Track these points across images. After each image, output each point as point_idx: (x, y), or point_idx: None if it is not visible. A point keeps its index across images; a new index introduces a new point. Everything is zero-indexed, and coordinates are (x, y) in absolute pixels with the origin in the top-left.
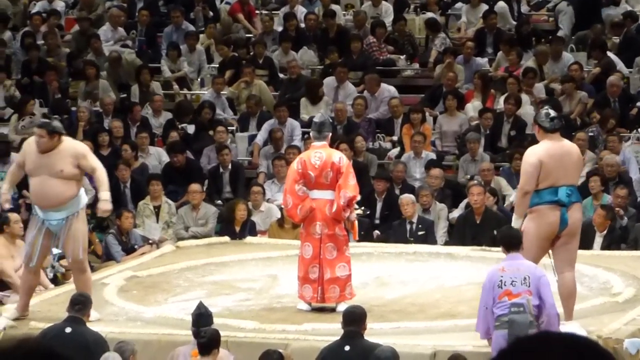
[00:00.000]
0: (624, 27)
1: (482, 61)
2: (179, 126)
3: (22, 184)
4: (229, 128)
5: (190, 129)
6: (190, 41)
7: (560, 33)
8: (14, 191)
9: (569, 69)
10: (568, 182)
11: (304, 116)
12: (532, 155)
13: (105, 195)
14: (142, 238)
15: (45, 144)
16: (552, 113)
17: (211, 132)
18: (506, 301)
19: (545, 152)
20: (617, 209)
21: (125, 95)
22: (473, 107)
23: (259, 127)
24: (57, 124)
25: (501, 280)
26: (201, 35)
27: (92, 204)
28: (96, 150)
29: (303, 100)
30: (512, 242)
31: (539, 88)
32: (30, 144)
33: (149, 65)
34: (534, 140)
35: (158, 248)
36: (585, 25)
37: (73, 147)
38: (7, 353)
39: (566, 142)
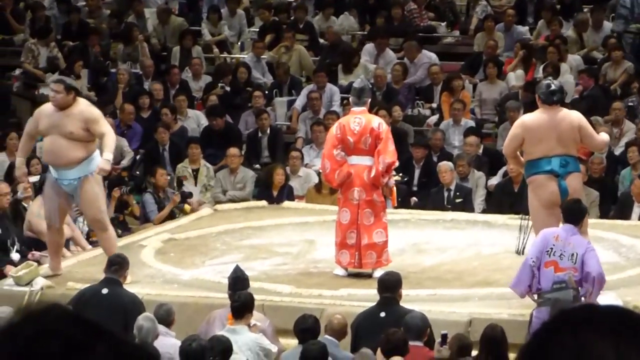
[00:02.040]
0: None
1: (523, 29)
2: (219, 85)
3: None
4: (266, 92)
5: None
6: (231, 5)
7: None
8: None
9: (606, 40)
10: (562, 152)
11: (342, 82)
12: (518, 124)
13: (107, 155)
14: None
15: (63, 99)
16: (554, 86)
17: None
18: (551, 273)
19: (536, 121)
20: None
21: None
22: (515, 76)
23: (289, 95)
24: (72, 81)
25: (551, 248)
26: None
27: (131, 166)
28: (137, 113)
29: (340, 67)
30: (573, 216)
31: (577, 58)
32: (43, 108)
33: (190, 29)
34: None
35: (193, 210)
36: None
37: (86, 110)
38: (35, 317)
39: (563, 112)
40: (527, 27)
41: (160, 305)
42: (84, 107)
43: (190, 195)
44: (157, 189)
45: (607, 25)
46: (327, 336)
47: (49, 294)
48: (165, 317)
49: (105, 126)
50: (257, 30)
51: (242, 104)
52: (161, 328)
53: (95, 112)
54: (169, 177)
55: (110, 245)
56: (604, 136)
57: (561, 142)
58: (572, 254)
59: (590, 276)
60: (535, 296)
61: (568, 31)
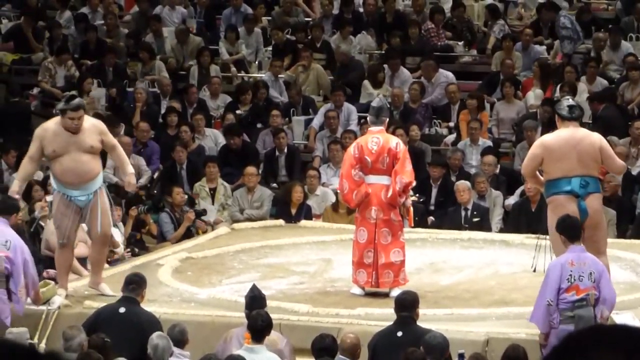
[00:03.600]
0: None
1: (541, 49)
2: (237, 111)
3: None
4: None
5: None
6: (248, 24)
7: (624, 19)
8: None
9: (625, 59)
10: (583, 173)
11: (363, 100)
12: (538, 144)
13: (130, 169)
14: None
15: (81, 123)
16: (572, 102)
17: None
18: (574, 297)
19: (556, 140)
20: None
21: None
22: (534, 95)
23: (306, 114)
24: (80, 99)
25: (571, 275)
26: (263, 18)
27: (148, 185)
28: (163, 130)
29: (365, 83)
30: (574, 232)
31: (598, 78)
32: (47, 129)
33: (208, 48)
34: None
35: (212, 229)
36: None
37: (97, 123)
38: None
39: (583, 132)
40: (544, 47)
41: (174, 326)
42: (93, 120)
43: (204, 212)
44: (174, 207)
45: (625, 45)
46: (340, 356)
47: (66, 313)
48: (179, 337)
49: (113, 137)
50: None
51: (262, 123)
52: (175, 349)
53: (102, 123)
54: (185, 196)
55: (102, 261)
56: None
57: (581, 162)
58: (590, 273)
59: (607, 301)
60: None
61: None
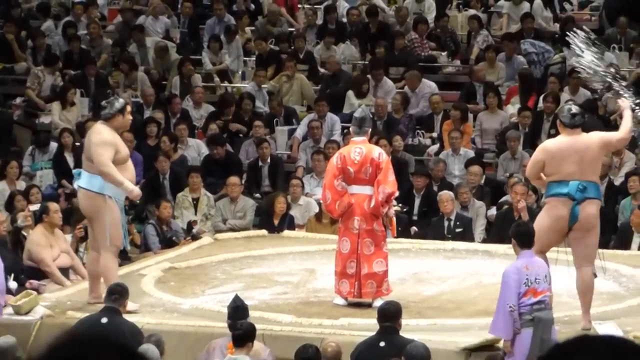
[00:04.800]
0: None
1: (524, 59)
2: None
3: (61, 173)
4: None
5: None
6: (230, 35)
7: (608, 31)
8: (53, 181)
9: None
10: (582, 177)
11: (347, 110)
12: (540, 148)
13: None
14: (183, 230)
15: None
16: (574, 109)
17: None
18: (531, 299)
19: (557, 145)
20: None
21: (167, 88)
22: (513, 106)
23: (289, 124)
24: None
25: (527, 279)
26: (246, 28)
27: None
28: (143, 141)
29: (349, 94)
30: (528, 239)
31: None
32: (114, 134)
33: (190, 57)
34: None
35: (196, 240)
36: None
37: None
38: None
39: (584, 137)
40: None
41: (150, 336)
42: None
43: (199, 237)
44: (161, 221)
45: (608, 55)
46: None
47: (49, 323)
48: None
49: None
50: (255, 59)
51: (245, 133)
52: None
53: None
54: (171, 210)
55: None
56: (622, 129)
57: (580, 168)
58: (545, 275)
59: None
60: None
61: (571, 60)
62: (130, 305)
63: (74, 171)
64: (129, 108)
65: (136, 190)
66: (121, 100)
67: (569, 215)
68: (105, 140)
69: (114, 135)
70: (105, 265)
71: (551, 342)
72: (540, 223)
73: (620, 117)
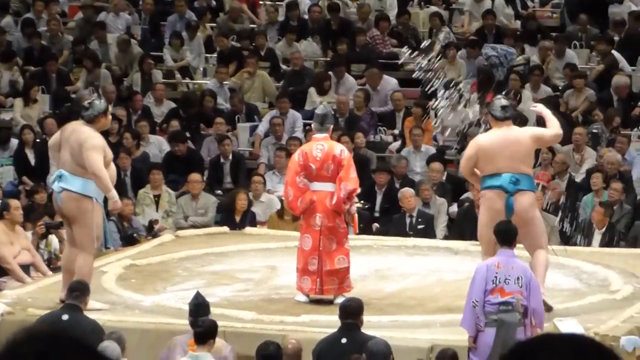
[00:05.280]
0: (625, 24)
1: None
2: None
3: (22, 170)
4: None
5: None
6: (191, 31)
7: (569, 29)
8: (14, 177)
9: (564, 70)
10: (514, 170)
11: (309, 107)
12: (472, 144)
13: None
14: (144, 227)
15: None
16: (504, 102)
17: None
18: (498, 298)
19: (489, 139)
20: None
21: (127, 83)
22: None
23: (251, 120)
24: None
25: (496, 277)
26: (207, 25)
27: None
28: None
29: (311, 91)
30: (508, 237)
31: (543, 86)
32: (102, 137)
33: (152, 54)
34: None
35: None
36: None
37: None
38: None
39: (516, 131)
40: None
41: (111, 333)
42: None
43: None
44: (122, 218)
45: (570, 53)
46: None
47: (9, 320)
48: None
49: None
50: (216, 56)
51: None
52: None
53: None
54: (133, 207)
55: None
56: (553, 126)
57: (513, 160)
58: (518, 277)
59: (537, 313)
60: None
61: (532, 56)
62: (96, 304)
63: (56, 172)
64: (110, 108)
65: (118, 203)
66: (103, 101)
67: (504, 207)
68: (98, 145)
69: (102, 138)
70: (84, 267)
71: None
72: (481, 219)
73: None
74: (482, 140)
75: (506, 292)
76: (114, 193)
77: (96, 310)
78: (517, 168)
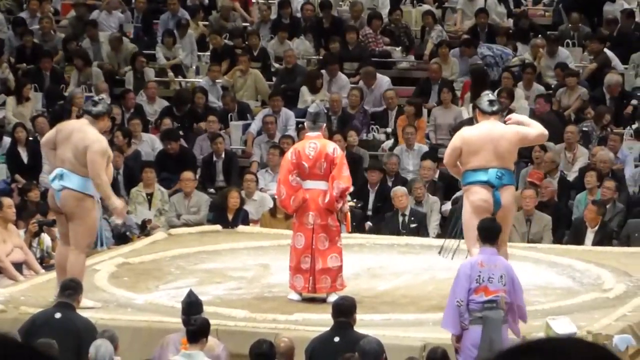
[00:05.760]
0: (618, 23)
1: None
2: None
3: (14, 168)
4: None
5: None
6: (182, 29)
7: (561, 27)
8: (6, 175)
9: (555, 69)
10: (499, 165)
11: (301, 106)
12: (458, 137)
13: None
14: (137, 225)
15: None
16: (492, 97)
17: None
18: (482, 297)
19: (475, 133)
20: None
21: (119, 81)
22: (467, 100)
23: (244, 119)
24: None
25: (479, 275)
26: (200, 23)
27: None
28: None
29: (303, 89)
30: (491, 234)
31: (535, 84)
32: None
33: (144, 52)
34: None
35: (149, 235)
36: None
37: None
38: None
39: (501, 126)
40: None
41: (104, 331)
42: None
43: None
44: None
45: (562, 51)
46: None
47: (2, 318)
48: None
49: None
50: (209, 54)
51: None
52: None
53: None
54: (127, 206)
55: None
56: (535, 127)
57: (498, 155)
58: (501, 276)
59: (521, 309)
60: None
61: (524, 54)
62: (88, 302)
63: (55, 171)
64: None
65: (119, 210)
66: (109, 102)
67: (493, 201)
68: (104, 150)
69: (106, 141)
70: (77, 264)
71: (500, 342)
72: (467, 211)
73: (575, 112)
74: (468, 133)
75: (490, 290)
76: (114, 200)
77: (88, 308)
78: (502, 163)
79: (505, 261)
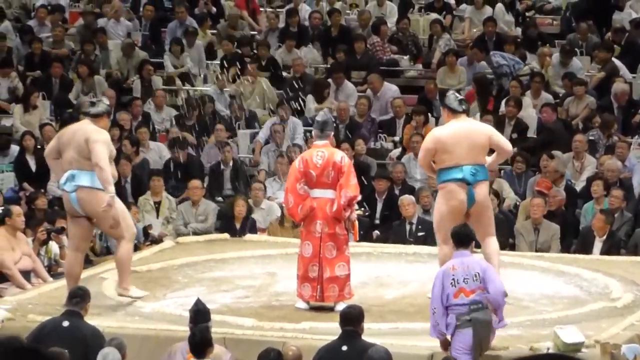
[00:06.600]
0: (626, 32)
1: (485, 64)
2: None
3: (22, 176)
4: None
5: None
6: (189, 38)
7: (569, 37)
8: (14, 184)
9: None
10: (473, 161)
11: (307, 115)
12: (429, 137)
13: None
14: (144, 233)
15: None
16: (460, 96)
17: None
18: (463, 299)
19: (447, 132)
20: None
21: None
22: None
23: (251, 127)
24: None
25: (453, 279)
26: (207, 31)
27: None
28: None
29: (309, 98)
30: (465, 239)
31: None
32: (107, 134)
33: (152, 60)
34: (536, 143)
35: (158, 243)
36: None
37: None
38: None
39: (473, 123)
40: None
41: (112, 339)
42: None
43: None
44: None
45: (576, 62)
46: None
47: (9, 326)
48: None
49: None
50: (218, 62)
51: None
52: None
53: None
54: (137, 214)
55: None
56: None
57: (471, 152)
58: (475, 275)
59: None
60: (449, 336)
61: (532, 63)
62: (138, 292)
63: (67, 173)
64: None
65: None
66: (108, 102)
67: (467, 198)
68: (105, 139)
69: (108, 135)
70: (126, 254)
71: (490, 342)
72: (440, 210)
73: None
74: (440, 133)
75: (468, 290)
76: (112, 188)
77: (138, 298)
78: (475, 159)
79: (479, 260)
